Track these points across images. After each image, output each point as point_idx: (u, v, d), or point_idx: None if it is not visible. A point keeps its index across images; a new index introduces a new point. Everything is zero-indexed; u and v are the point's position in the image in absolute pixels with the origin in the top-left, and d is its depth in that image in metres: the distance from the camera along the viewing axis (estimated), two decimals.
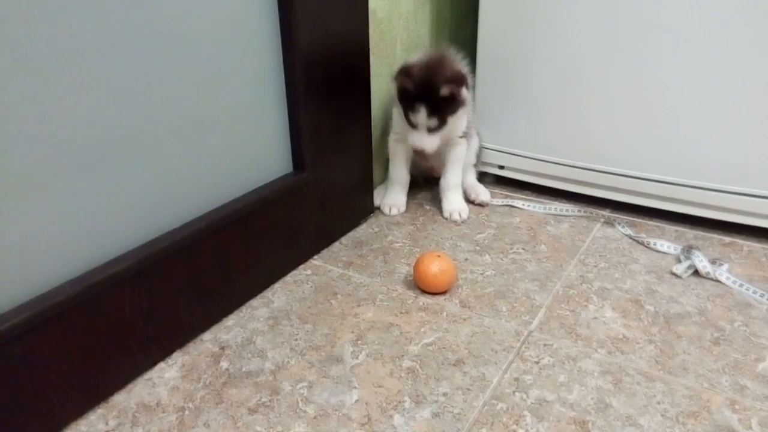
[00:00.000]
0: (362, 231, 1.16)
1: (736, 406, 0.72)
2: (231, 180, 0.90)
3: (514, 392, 0.75)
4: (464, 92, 1.06)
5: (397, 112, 1.15)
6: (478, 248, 1.08)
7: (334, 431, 0.69)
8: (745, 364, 0.78)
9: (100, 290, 0.71)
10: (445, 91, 1.04)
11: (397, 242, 1.11)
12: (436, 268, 0.93)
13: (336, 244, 1.11)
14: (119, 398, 0.75)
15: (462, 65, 1.13)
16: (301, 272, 1.02)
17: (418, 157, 1.20)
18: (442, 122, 1.08)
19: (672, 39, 1.02)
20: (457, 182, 1.21)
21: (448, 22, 1.44)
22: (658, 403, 0.72)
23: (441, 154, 1.20)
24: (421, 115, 1.07)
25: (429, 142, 1.10)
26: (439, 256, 0.94)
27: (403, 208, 1.23)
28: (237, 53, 0.86)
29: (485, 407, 0.72)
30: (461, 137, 1.18)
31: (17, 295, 0.65)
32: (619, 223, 1.14)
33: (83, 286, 0.69)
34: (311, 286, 0.98)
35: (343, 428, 0.70)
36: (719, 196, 1.08)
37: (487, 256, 1.06)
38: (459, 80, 1.06)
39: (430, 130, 1.09)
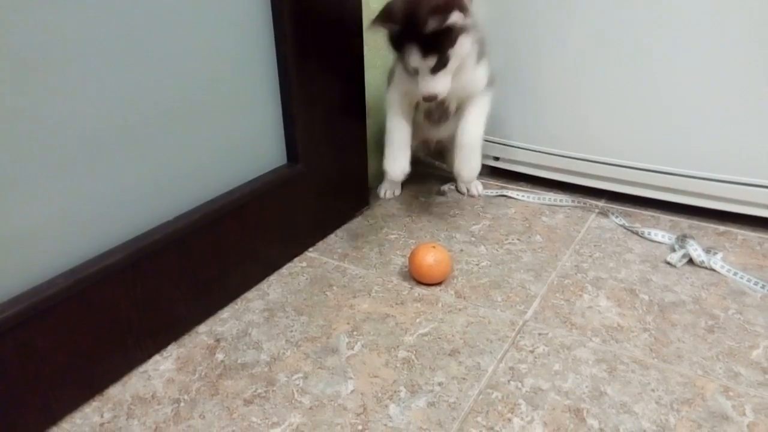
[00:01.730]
0: (357, 223, 1.16)
1: (730, 393, 0.72)
2: (225, 172, 0.90)
3: (509, 381, 0.75)
4: (457, 17, 0.89)
5: (395, 60, 1.02)
6: (473, 239, 1.08)
7: (330, 421, 0.69)
8: (739, 352, 0.79)
9: (93, 282, 0.70)
10: (432, 24, 0.88)
11: (393, 234, 1.11)
12: (431, 259, 0.93)
13: (331, 236, 1.11)
14: (114, 391, 0.75)
15: None
16: (297, 264, 1.02)
17: (426, 121, 1.07)
18: (443, 58, 0.93)
19: (666, 30, 1.02)
20: (477, 137, 1.05)
21: None
22: (653, 390, 0.73)
23: (451, 122, 1.08)
24: (415, 57, 0.92)
25: (439, 85, 0.94)
26: (434, 246, 0.94)
27: (407, 170, 1.07)
28: (230, 44, 0.85)
29: (480, 396, 0.73)
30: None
31: (10, 288, 0.65)
32: (613, 214, 1.14)
33: (77, 278, 0.69)
34: (306, 278, 0.98)
35: (338, 418, 0.70)
36: (713, 185, 1.08)
37: (482, 247, 1.06)
38: (445, 6, 0.88)
39: (434, 71, 0.94)
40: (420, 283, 0.95)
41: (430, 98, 0.96)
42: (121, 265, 0.73)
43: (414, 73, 0.97)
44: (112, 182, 0.74)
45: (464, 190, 1.24)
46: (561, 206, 1.20)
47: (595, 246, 1.05)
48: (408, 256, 0.98)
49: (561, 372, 0.76)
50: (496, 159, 1.32)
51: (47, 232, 0.68)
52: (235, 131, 0.90)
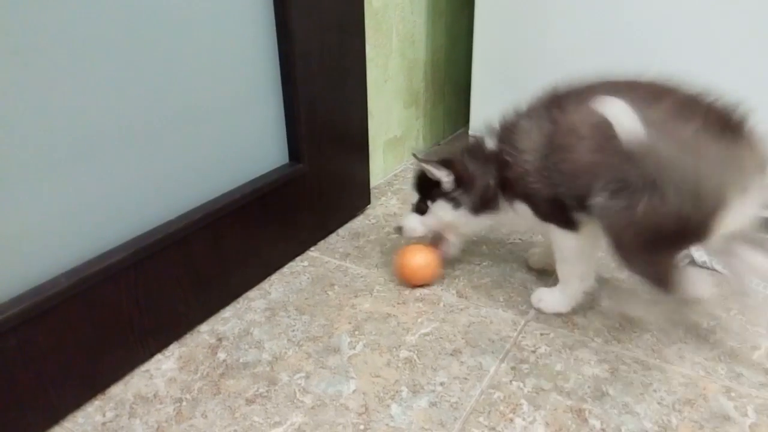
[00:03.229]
0: (359, 222, 1.16)
1: (732, 394, 0.72)
2: (227, 171, 0.90)
3: (511, 381, 0.75)
4: (439, 175, 0.87)
5: None
6: (474, 238, 1.08)
7: (332, 421, 0.69)
8: (741, 352, 0.79)
9: (96, 282, 0.70)
10: (421, 165, 0.89)
11: (394, 234, 1.11)
12: (420, 260, 0.93)
13: (333, 235, 1.11)
14: (116, 390, 0.75)
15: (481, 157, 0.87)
16: (298, 264, 1.02)
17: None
18: (422, 203, 0.92)
19: (665, 30, 1.02)
20: (559, 275, 0.88)
21: (444, 13, 1.44)
22: (655, 391, 0.73)
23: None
24: (413, 186, 0.94)
25: (407, 221, 0.94)
26: (420, 249, 0.94)
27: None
28: (232, 44, 0.85)
29: (482, 396, 0.73)
30: (547, 222, 0.84)
31: (13, 287, 0.65)
32: None
33: (79, 277, 0.69)
34: (308, 278, 0.98)
35: (340, 418, 0.70)
36: None
37: (484, 247, 1.06)
38: (442, 163, 0.88)
39: (414, 209, 0.94)
40: (407, 285, 0.95)
41: (395, 229, 0.97)
42: (122, 265, 0.73)
43: None
44: (114, 182, 0.74)
45: None
46: None
47: None
48: (397, 257, 0.96)
49: (563, 372, 0.76)
50: None
51: (49, 231, 0.68)
52: (237, 131, 0.90)
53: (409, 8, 1.29)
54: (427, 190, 0.91)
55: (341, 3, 0.99)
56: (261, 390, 0.74)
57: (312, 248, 1.07)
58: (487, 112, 1.26)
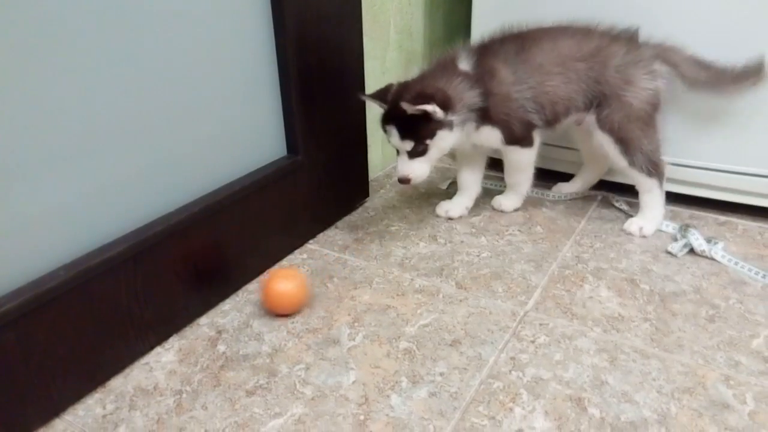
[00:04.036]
0: (358, 215, 1.16)
1: (731, 382, 0.72)
2: (225, 163, 0.89)
3: (510, 371, 0.75)
4: (433, 109, 0.90)
5: None
6: (473, 230, 1.08)
7: (332, 412, 0.70)
8: (739, 341, 0.79)
9: (95, 275, 0.70)
10: (407, 107, 0.90)
11: (393, 226, 1.11)
12: (284, 286, 0.85)
13: (332, 227, 1.11)
14: (116, 383, 0.75)
15: (462, 78, 0.96)
16: (297, 256, 1.02)
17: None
18: (420, 146, 0.94)
19: (664, 18, 1.02)
20: (510, 182, 1.13)
21: (442, 4, 1.43)
22: (654, 379, 0.73)
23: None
24: (395, 138, 0.95)
25: (412, 169, 0.96)
26: (288, 274, 0.87)
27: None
28: (229, 36, 0.85)
29: (482, 386, 0.73)
30: (510, 144, 1.03)
31: (11, 280, 0.65)
32: (616, 200, 1.15)
33: (78, 270, 0.69)
34: (308, 270, 0.98)
35: (340, 409, 0.70)
36: (714, 175, 1.08)
37: (482, 238, 1.06)
38: (425, 96, 0.90)
39: (411, 155, 0.95)
40: (272, 312, 0.87)
41: (403, 180, 0.97)
42: (121, 257, 0.73)
43: (397, 153, 0.98)
44: (113, 174, 0.73)
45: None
46: (560, 197, 1.19)
47: (595, 236, 1.05)
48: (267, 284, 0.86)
49: (562, 362, 0.76)
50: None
51: (48, 224, 0.68)
52: (234, 123, 0.89)
53: (406, 0, 1.28)
54: (418, 131, 0.94)
55: None
56: (261, 382, 0.74)
57: (311, 241, 1.07)
58: None
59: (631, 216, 1.09)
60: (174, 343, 0.82)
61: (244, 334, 0.83)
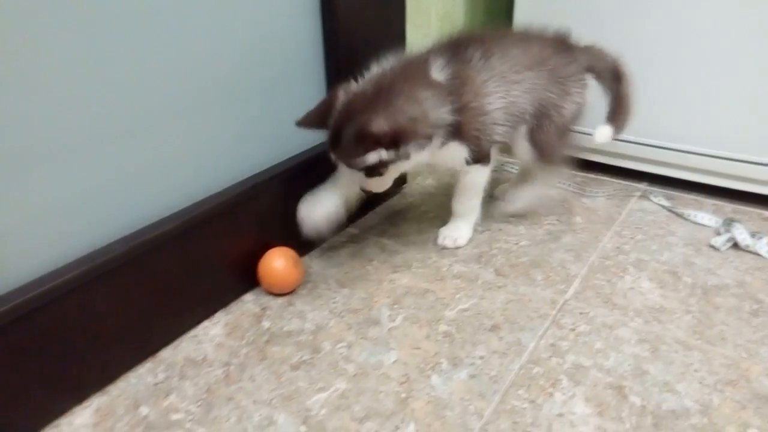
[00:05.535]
0: (396, 201, 1.17)
1: None
2: (272, 146, 0.91)
3: (550, 357, 0.76)
4: (378, 158, 0.78)
5: None
6: (511, 219, 1.09)
7: (374, 389, 0.71)
8: None
9: (149, 248, 0.73)
10: (346, 157, 0.80)
11: (431, 212, 1.12)
12: (283, 263, 0.87)
13: (371, 213, 1.13)
14: (166, 353, 0.78)
15: (433, 93, 0.82)
16: (337, 240, 1.04)
17: None
18: (373, 173, 0.83)
19: (709, 11, 1.00)
20: (460, 209, 1.00)
21: None
22: (696, 371, 0.73)
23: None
24: (342, 167, 0.84)
25: (372, 186, 0.86)
26: (284, 254, 0.88)
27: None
28: (277, 20, 0.86)
29: (522, 370, 0.74)
30: (472, 164, 0.91)
31: (76, 250, 0.68)
32: (654, 196, 1.13)
33: (134, 243, 0.71)
34: (347, 253, 1.00)
35: (382, 386, 0.72)
36: (759, 169, 1.06)
37: (521, 227, 1.06)
38: (367, 140, 0.77)
39: (368, 176, 0.84)
40: (269, 291, 0.89)
41: (368, 193, 0.88)
42: (173, 233, 0.76)
43: None
44: (165, 155, 0.76)
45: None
46: (599, 195, 1.18)
47: (636, 228, 1.04)
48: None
49: (603, 350, 0.76)
50: None
51: (108, 198, 0.71)
52: (281, 106, 0.91)
53: None
54: (374, 168, 0.81)
55: None
56: (305, 357, 0.76)
57: (351, 225, 1.08)
58: None
59: (673, 211, 1.08)
60: (221, 317, 0.84)
61: (288, 312, 0.85)
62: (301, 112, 0.95)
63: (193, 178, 0.80)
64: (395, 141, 0.78)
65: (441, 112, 0.83)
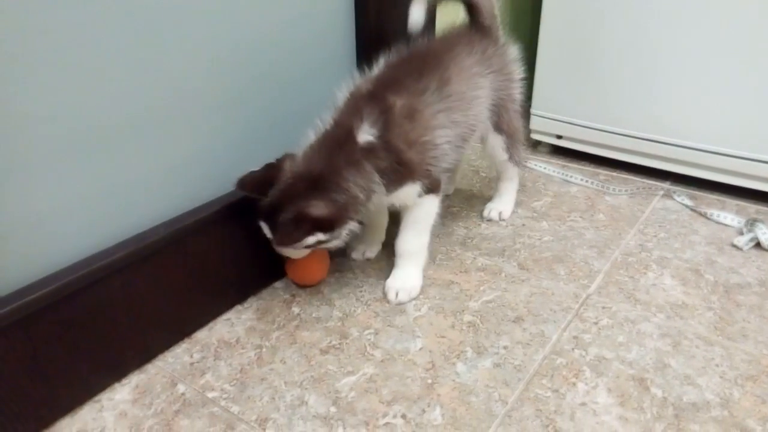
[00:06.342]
0: None
1: None
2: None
3: (573, 349, 0.77)
4: (315, 240, 0.77)
5: None
6: (535, 215, 1.10)
7: (401, 374, 0.74)
8: None
9: (189, 233, 0.76)
10: (280, 239, 0.77)
11: (455, 207, 1.14)
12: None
13: None
14: (201, 335, 0.81)
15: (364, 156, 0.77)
16: None
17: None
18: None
19: (739, 8, 1.00)
20: (409, 249, 0.89)
21: None
22: (717, 365, 0.74)
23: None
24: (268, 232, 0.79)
25: (294, 253, 0.83)
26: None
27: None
28: (311, 19, 0.89)
29: (545, 361, 0.76)
30: (426, 194, 0.85)
31: (121, 232, 0.72)
32: (677, 195, 1.14)
33: (175, 228, 0.75)
34: None
35: (409, 372, 0.74)
36: None
37: (544, 223, 1.08)
38: (303, 224, 0.75)
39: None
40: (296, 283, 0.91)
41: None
42: (212, 219, 0.79)
43: None
44: (203, 146, 0.79)
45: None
46: (624, 188, 1.20)
47: (659, 226, 1.05)
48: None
49: (625, 344, 0.78)
50: (559, 137, 1.32)
51: (151, 184, 0.74)
52: (313, 102, 0.94)
53: None
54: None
55: None
56: (334, 342, 0.79)
57: None
58: (550, 86, 1.27)
59: (696, 211, 1.09)
60: (252, 302, 0.87)
61: (316, 299, 0.88)
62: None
63: (233, 168, 0.83)
64: (331, 224, 0.77)
65: (374, 179, 0.78)
